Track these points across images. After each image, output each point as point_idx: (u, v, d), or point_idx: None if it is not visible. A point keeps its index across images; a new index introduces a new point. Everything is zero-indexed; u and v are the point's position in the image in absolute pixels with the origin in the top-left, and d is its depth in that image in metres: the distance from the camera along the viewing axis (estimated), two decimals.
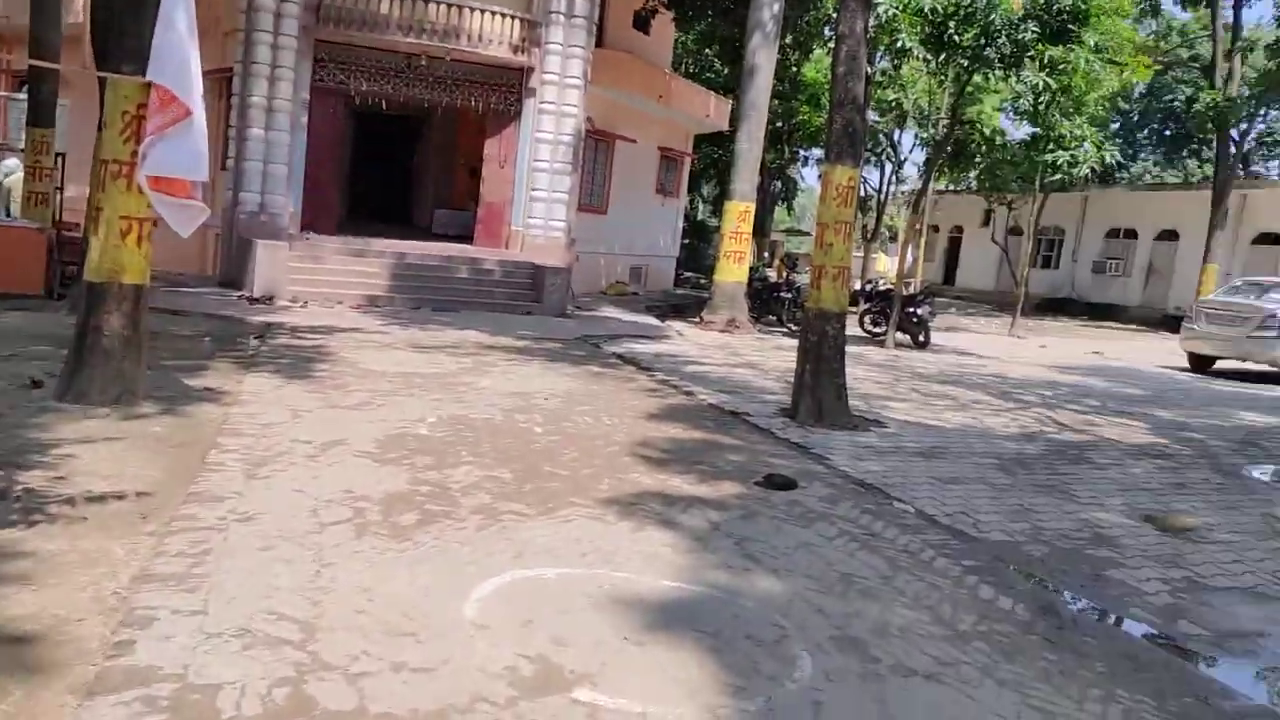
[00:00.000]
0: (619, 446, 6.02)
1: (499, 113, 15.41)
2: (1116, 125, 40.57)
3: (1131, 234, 30.00)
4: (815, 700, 2.85)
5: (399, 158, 21.13)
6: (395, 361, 8.47)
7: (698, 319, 15.01)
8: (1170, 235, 28.57)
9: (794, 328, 14.54)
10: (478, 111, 15.71)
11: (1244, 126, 25.93)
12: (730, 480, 5.38)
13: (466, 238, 16.49)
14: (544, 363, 9.36)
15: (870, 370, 11.09)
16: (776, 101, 20.37)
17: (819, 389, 7.46)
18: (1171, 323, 21.04)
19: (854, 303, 17.36)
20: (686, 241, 29.94)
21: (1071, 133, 16.70)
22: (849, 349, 8.05)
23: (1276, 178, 37.41)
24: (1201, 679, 3.37)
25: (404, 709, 2.60)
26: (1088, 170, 17.45)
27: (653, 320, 15.26)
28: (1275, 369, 13.83)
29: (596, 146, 18.63)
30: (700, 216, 37.49)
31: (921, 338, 14.60)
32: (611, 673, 2.91)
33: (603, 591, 3.55)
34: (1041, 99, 15.05)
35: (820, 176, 7.83)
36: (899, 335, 14.46)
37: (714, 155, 28.60)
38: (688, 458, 5.85)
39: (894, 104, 21.01)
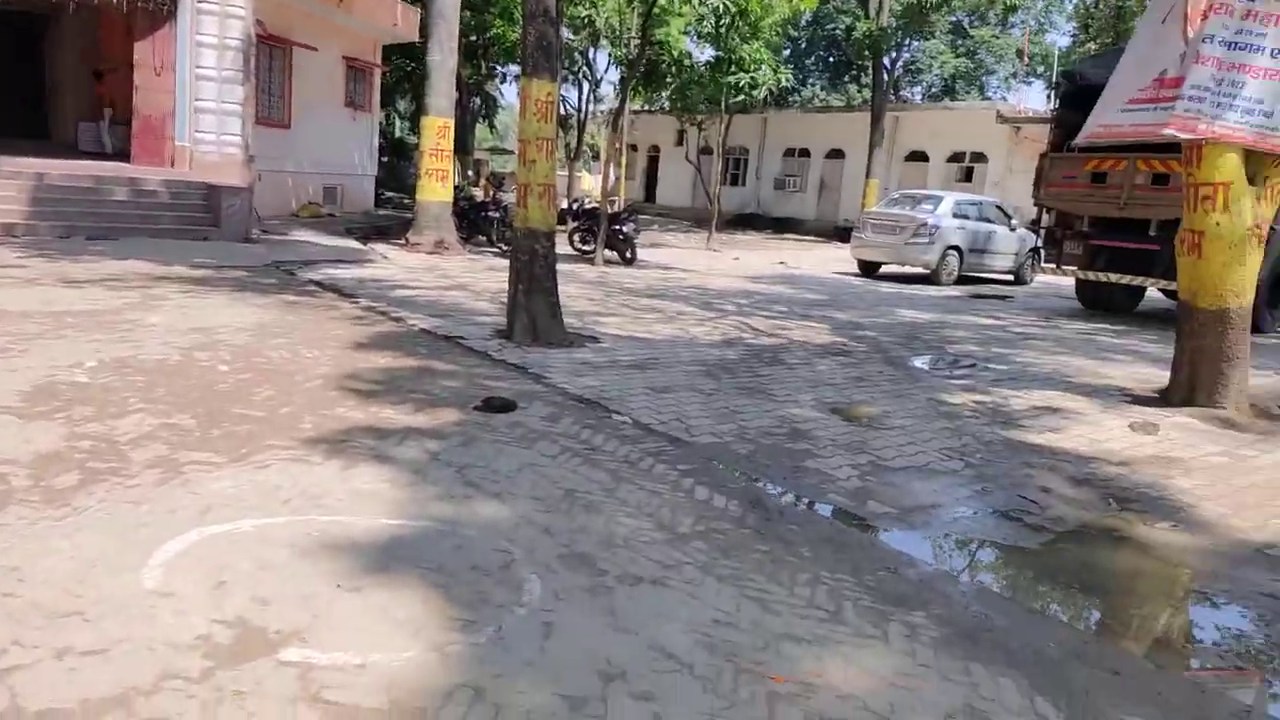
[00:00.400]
0: (322, 380, 5.56)
1: (149, 12, 13.40)
2: (788, 51, 43.54)
3: (805, 153, 32.63)
4: (546, 622, 2.78)
5: (29, 63, 17.96)
6: (42, 300, 7.24)
7: (403, 241, 14.33)
8: (838, 154, 31.40)
9: (504, 248, 14.34)
10: (122, 10, 13.59)
11: (894, 55, 28.84)
12: (447, 407, 5.16)
13: (122, 155, 14.44)
14: (229, 294, 8.45)
15: (583, 287, 11.18)
16: (469, 13, 19.56)
17: (533, 308, 7.37)
18: (843, 233, 23.26)
19: (563, 221, 17.45)
20: (385, 160, 28.43)
21: (750, 56, 17.61)
22: (561, 267, 8.00)
23: (921, 101, 42.26)
24: (891, 552, 3.71)
25: (72, 700, 2.20)
26: (766, 93, 18.54)
27: (354, 243, 14.36)
28: (927, 271, 15.74)
29: (272, 54, 16.93)
30: (399, 134, 35.73)
31: (629, 254, 14.98)
32: (324, 626, 2.65)
33: (310, 539, 3.23)
34: (722, 22, 15.64)
35: (519, 92, 7.59)
36: (607, 252, 14.72)
37: (407, 68, 27.15)
38: (401, 387, 5.53)
39: (586, 20, 20.94)
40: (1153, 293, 12.57)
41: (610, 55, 22.45)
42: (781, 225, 30.93)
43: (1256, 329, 7.54)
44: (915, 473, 4.72)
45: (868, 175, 26.64)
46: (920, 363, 8.02)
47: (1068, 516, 4.26)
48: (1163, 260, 10.14)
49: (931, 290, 14.82)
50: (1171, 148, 7.45)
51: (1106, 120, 7.06)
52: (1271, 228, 6.63)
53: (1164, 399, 6.75)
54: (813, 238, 28.30)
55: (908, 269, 16.28)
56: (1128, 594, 3.69)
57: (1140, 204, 11.09)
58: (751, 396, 6.09)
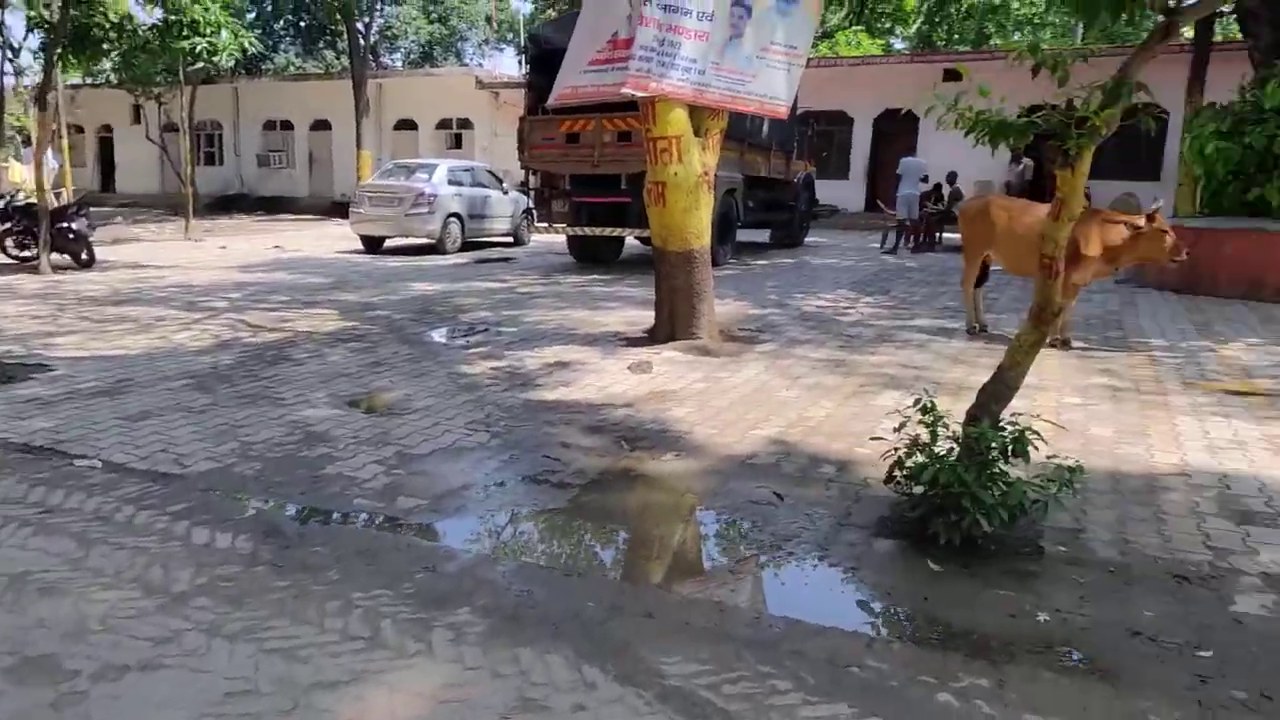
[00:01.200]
0: None
1: None
2: (253, 15, 40.44)
3: (288, 125, 30.70)
4: None
5: None
6: None
7: None
8: (324, 125, 30.00)
9: None
10: None
11: (367, 19, 28.14)
12: None
13: None
14: None
15: (25, 304, 9.22)
16: None
17: None
18: (340, 209, 22.31)
19: None
20: None
21: (204, 19, 15.86)
22: None
23: (402, 68, 42.08)
24: (427, 549, 3.50)
25: None
26: (231, 60, 16.92)
27: None
28: (432, 241, 15.70)
29: None
30: None
31: (85, 256, 12.73)
32: None
33: None
34: None
35: None
36: (56, 257, 12.36)
37: None
38: None
39: None
40: (632, 240, 13.91)
41: (27, 17, 18.72)
42: (272, 205, 28.81)
43: (714, 263, 8.63)
44: (443, 455, 4.56)
45: (358, 146, 25.81)
46: (437, 336, 7.90)
47: (588, 467, 4.42)
48: (634, 211, 11.20)
49: (438, 260, 14.83)
50: (631, 106, 8.13)
51: (571, 82, 7.47)
52: (716, 174, 7.56)
53: (652, 338, 7.44)
54: (309, 216, 26.80)
55: (412, 240, 16.11)
56: (649, 531, 3.92)
57: (610, 161, 12.11)
58: (255, 404, 5.45)
